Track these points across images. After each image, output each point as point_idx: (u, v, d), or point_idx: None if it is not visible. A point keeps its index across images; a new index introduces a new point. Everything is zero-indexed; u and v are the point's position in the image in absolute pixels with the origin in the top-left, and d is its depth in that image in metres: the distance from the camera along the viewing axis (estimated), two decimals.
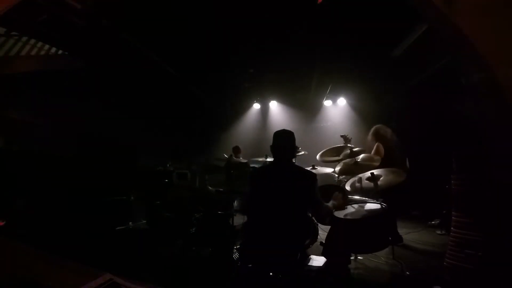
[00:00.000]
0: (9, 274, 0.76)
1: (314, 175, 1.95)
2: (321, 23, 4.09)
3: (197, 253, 3.07)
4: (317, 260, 2.45)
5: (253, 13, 4.18)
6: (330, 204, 2.14)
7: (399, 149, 3.88)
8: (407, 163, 3.84)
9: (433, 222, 4.49)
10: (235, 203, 3.77)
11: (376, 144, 3.84)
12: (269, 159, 4.48)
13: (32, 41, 4.89)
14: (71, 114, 5.39)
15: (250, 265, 1.85)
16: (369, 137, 4.02)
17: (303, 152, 4.28)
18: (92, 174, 4.49)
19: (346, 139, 3.75)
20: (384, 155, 3.65)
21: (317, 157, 4.01)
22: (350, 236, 2.43)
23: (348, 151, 3.46)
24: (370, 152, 3.74)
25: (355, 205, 2.71)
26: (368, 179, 2.88)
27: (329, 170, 3.81)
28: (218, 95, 7.60)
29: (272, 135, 2.03)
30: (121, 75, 5.89)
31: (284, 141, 2.01)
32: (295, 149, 2.20)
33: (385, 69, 5.59)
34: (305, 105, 7.48)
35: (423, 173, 4.34)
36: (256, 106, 7.96)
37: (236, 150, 5.85)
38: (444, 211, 4.04)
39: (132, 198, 4.57)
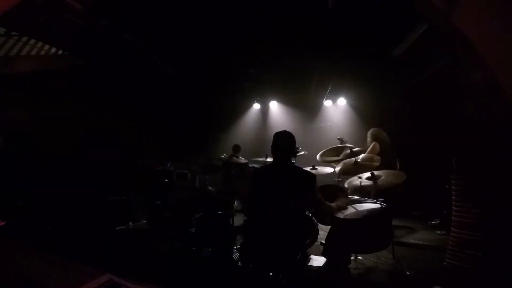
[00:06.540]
0: (9, 274, 0.76)
1: (313, 175, 1.97)
2: (321, 23, 4.09)
3: (197, 253, 3.06)
4: (317, 260, 2.46)
5: (254, 13, 4.18)
6: (333, 204, 2.18)
7: (392, 151, 4.13)
8: (398, 164, 4.04)
9: (433, 222, 4.48)
10: (235, 203, 3.77)
11: (373, 143, 3.95)
12: (269, 159, 4.48)
13: (32, 41, 4.89)
14: (71, 114, 5.39)
15: (250, 265, 1.85)
16: (368, 140, 4.23)
17: (303, 152, 4.28)
18: (93, 174, 4.49)
19: (341, 141, 3.85)
20: (378, 154, 3.74)
21: (317, 157, 4.02)
22: (350, 236, 2.43)
23: (348, 151, 3.49)
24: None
25: (355, 205, 2.71)
26: (368, 179, 2.89)
27: (329, 170, 3.82)
28: (218, 95, 7.60)
29: (272, 135, 2.04)
30: (121, 75, 5.89)
31: (284, 141, 2.03)
32: (294, 150, 2.24)
33: (385, 69, 5.58)
34: (305, 105, 7.47)
35: (423, 173, 4.35)
36: (256, 106, 7.96)
37: (236, 149, 5.82)
38: (444, 211, 4.04)
39: (132, 198, 4.57)
